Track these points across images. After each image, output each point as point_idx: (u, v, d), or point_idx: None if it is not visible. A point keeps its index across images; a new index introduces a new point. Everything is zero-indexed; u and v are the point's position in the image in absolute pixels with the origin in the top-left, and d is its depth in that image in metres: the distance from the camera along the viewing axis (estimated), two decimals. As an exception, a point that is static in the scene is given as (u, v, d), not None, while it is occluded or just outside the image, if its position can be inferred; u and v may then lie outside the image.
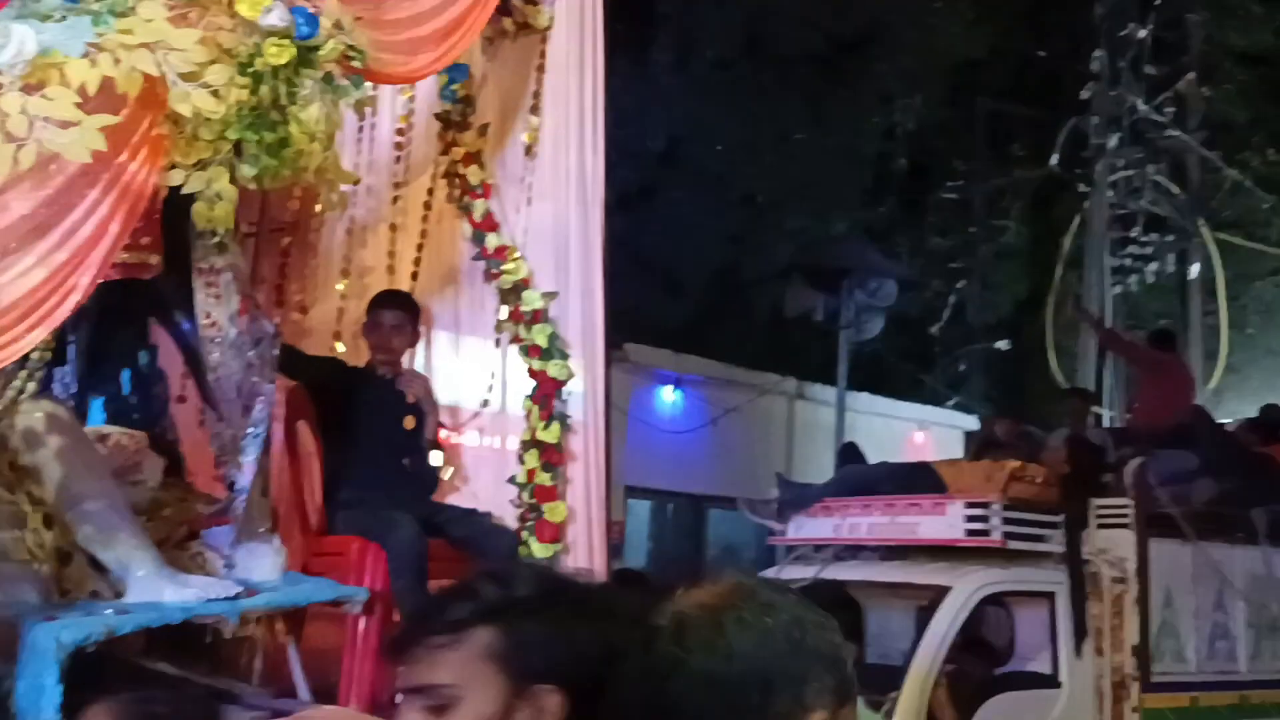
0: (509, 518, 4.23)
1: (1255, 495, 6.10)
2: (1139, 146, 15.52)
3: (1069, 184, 16.27)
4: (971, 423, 14.24)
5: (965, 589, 5.34)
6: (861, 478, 5.97)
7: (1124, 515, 5.69)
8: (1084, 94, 15.32)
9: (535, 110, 4.57)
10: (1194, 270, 15.86)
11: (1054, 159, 15.95)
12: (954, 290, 17.61)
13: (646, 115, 14.40)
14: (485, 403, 4.58)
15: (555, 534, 4.22)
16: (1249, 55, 16.31)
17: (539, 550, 4.11)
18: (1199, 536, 5.87)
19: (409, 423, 4.20)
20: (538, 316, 4.38)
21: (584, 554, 4.25)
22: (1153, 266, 16.30)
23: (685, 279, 15.56)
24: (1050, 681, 5.56)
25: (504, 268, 4.46)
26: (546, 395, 4.31)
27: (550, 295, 4.40)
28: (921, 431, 14.52)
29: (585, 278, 4.47)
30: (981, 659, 5.67)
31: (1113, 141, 15.38)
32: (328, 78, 3.14)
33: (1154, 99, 15.37)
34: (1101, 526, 5.75)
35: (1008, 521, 5.55)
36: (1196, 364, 15.63)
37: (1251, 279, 16.59)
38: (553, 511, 4.22)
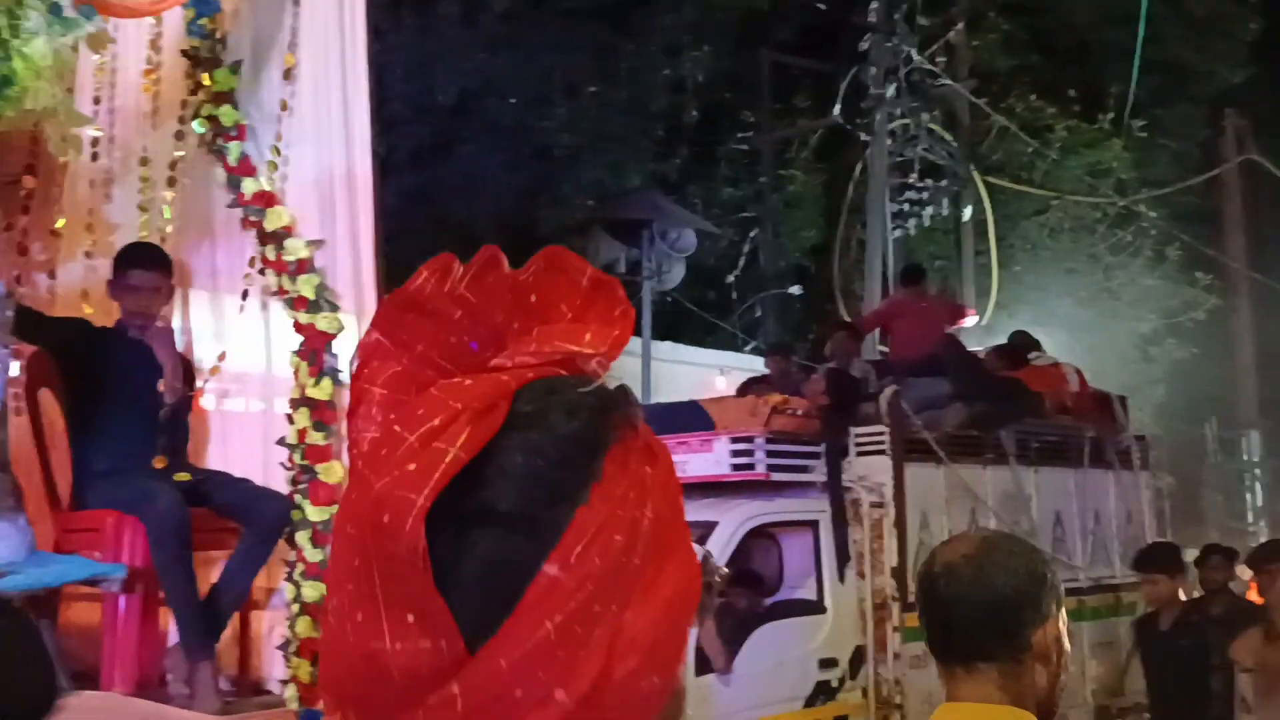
0: (280, 482, 3.95)
1: (1003, 417, 6.28)
2: (914, 96, 15.89)
3: (851, 133, 16.58)
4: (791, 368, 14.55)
5: (731, 523, 5.32)
6: (632, 420, 5.85)
7: (880, 442, 5.77)
8: (862, 45, 15.57)
9: (292, 46, 4.23)
10: (966, 213, 16.42)
11: (836, 109, 16.20)
12: (748, 239, 17.81)
13: (436, 69, 13.98)
14: (223, 356, 4.25)
15: (332, 495, 3.94)
16: (1011, 5, 16.89)
17: (314, 514, 3.82)
18: (951, 459, 6.00)
19: (164, 386, 3.85)
20: (303, 266, 4.06)
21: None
22: (929, 211, 16.82)
23: (483, 234, 15.26)
24: (816, 607, 5.60)
25: (263, 215, 4.12)
26: (315, 350, 4.01)
27: (316, 243, 4.09)
28: (723, 376, 14.67)
29: (353, 224, 4.19)
30: (751, 590, 5.67)
31: (890, 91, 15.68)
32: (54, 9, 2.79)
33: (926, 49, 15.75)
34: (860, 454, 5.83)
35: (771, 454, 5.55)
36: (970, 301, 16.28)
37: (1017, 219, 17.27)
38: (328, 472, 3.93)
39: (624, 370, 13.12)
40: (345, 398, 4.08)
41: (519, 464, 0.63)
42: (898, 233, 16.39)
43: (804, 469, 5.69)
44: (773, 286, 17.69)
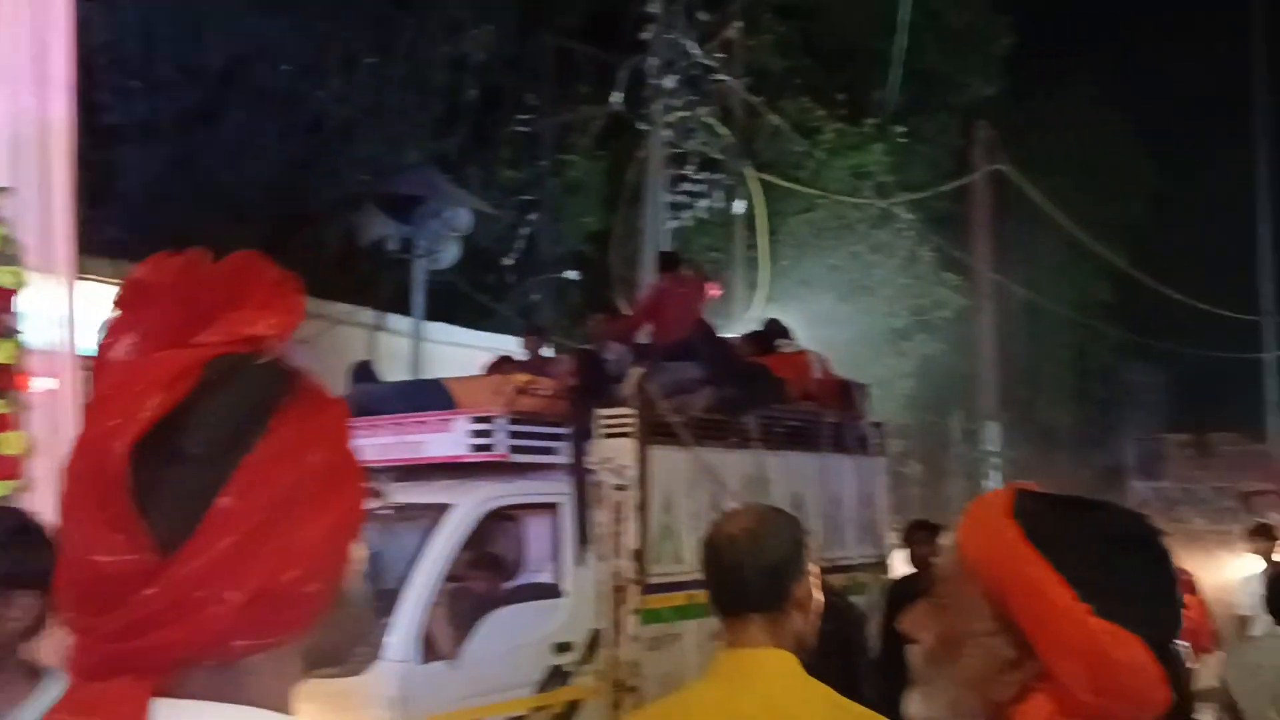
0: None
1: (749, 402, 6.30)
2: (693, 90, 16.01)
3: (631, 122, 16.58)
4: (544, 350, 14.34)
5: (466, 505, 5.11)
6: (370, 397, 5.57)
7: (626, 425, 5.66)
8: (644, 35, 15.57)
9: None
10: (739, 207, 16.67)
11: (616, 97, 16.15)
12: (526, 222, 17.61)
13: (205, 31, 13.15)
14: None
15: (13, 469, 3.51)
16: (785, 8, 17.24)
17: (-5, 489, 3.39)
18: (697, 442, 5.96)
19: None
20: (-19, 215, 3.59)
21: (49, 491, 3.57)
22: (704, 203, 17.00)
23: (251, 205, 14.48)
24: (553, 591, 5.45)
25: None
26: (-5, 308, 3.55)
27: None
28: (496, 360, 14.43)
29: (45, 173, 3.74)
30: (491, 574, 5.48)
31: (669, 83, 15.74)
32: None
33: (706, 45, 15.88)
34: (606, 436, 5.71)
35: (514, 435, 5.36)
36: (740, 293, 16.55)
37: (787, 216, 17.67)
38: (8, 443, 3.50)
39: (394, 349, 12.72)
40: (33, 362, 3.66)
41: (203, 418, 0.83)
42: (675, 223, 16.51)
43: (548, 451, 5.54)
44: (550, 271, 17.56)
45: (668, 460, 5.84)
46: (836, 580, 6.36)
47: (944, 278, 17.62)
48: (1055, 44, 24.04)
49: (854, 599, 6.04)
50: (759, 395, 6.43)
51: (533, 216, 17.47)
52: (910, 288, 17.59)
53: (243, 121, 14.22)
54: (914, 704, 1.30)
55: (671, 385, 6.23)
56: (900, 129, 17.22)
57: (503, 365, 6.68)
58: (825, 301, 17.19)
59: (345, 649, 0.91)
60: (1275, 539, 8.15)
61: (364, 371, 6.32)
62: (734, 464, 6.25)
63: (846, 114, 17.37)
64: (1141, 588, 1.22)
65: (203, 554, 0.80)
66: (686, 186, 16.82)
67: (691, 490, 6.00)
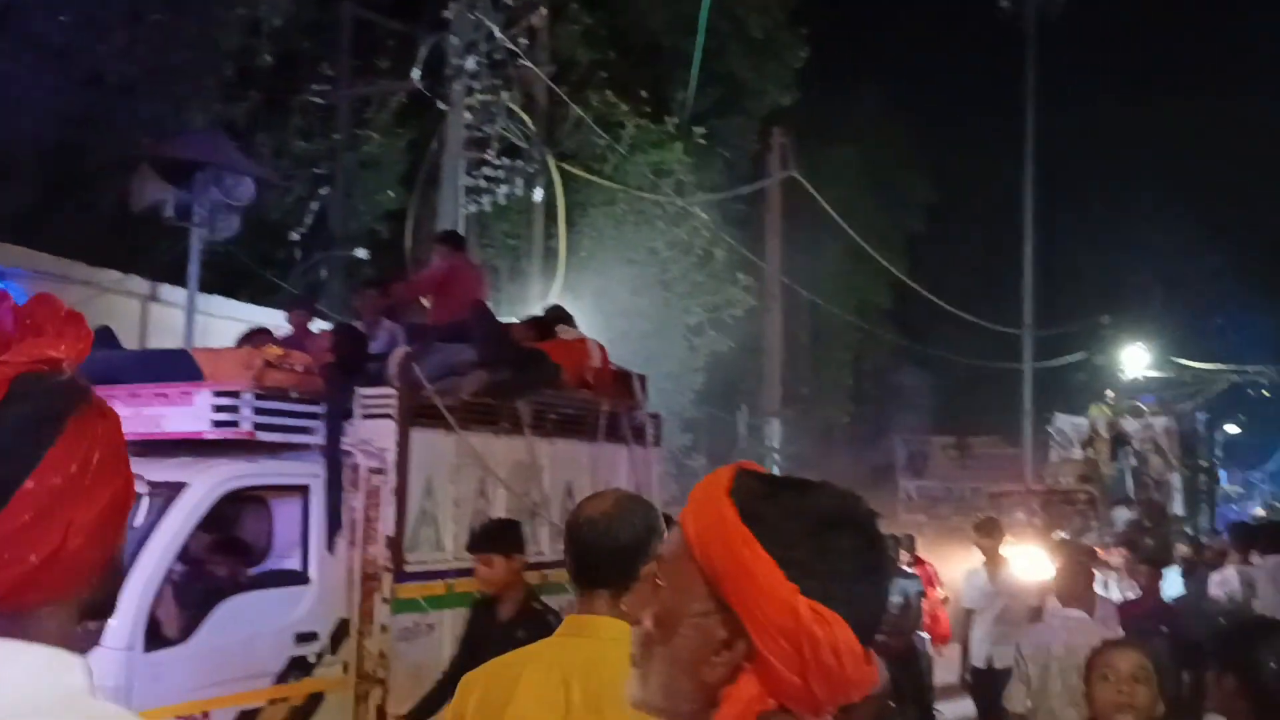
0: None
1: (522, 387, 6.09)
2: (495, 73, 15.66)
3: (431, 102, 16.13)
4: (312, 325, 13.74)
5: (203, 485, 4.70)
6: (108, 365, 5.07)
7: (387, 406, 5.36)
8: (445, 13, 15.13)
9: None
10: (539, 195, 16.44)
11: (416, 74, 15.65)
12: (316, 196, 16.93)
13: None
14: None
15: None
16: (593, 1, 17.12)
17: None
18: (464, 426, 5.71)
19: None
20: None
21: None
22: (504, 190, 16.69)
23: (19, 162, 13.36)
24: (300, 578, 5.11)
25: None
26: None
27: None
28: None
29: None
30: (231, 559, 5.09)
31: (471, 64, 15.34)
32: None
33: (510, 29, 15.56)
34: (366, 417, 5.39)
35: (262, 412, 4.98)
36: (536, 283, 16.33)
37: (588, 207, 17.59)
38: None
39: (167, 321, 11.96)
40: None
41: (10, 422, 1.03)
42: (472, 208, 16.14)
43: (300, 430, 5.18)
44: (340, 248, 16.92)
45: (431, 444, 5.56)
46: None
47: (736, 278, 17.89)
48: (846, 60, 24.79)
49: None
50: (533, 380, 6.21)
51: (324, 191, 16.80)
52: (704, 285, 17.78)
53: (12, 73, 13.10)
54: (630, 686, 1.27)
55: (443, 367, 5.96)
56: (701, 130, 17.37)
57: (255, 337, 6.25)
58: (622, 294, 17.21)
59: (112, 604, 1.12)
60: (1000, 535, 8.47)
61: (103, 337, 5.78)
62: (504, 450, 6.02)
63: (650, 111, 17.41)
64: (850, 569, 1.22)
65: (8, 525, 1.01)
66: (487, 171, 16.46)
67: (456, 476, 5.75)
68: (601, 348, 7.10)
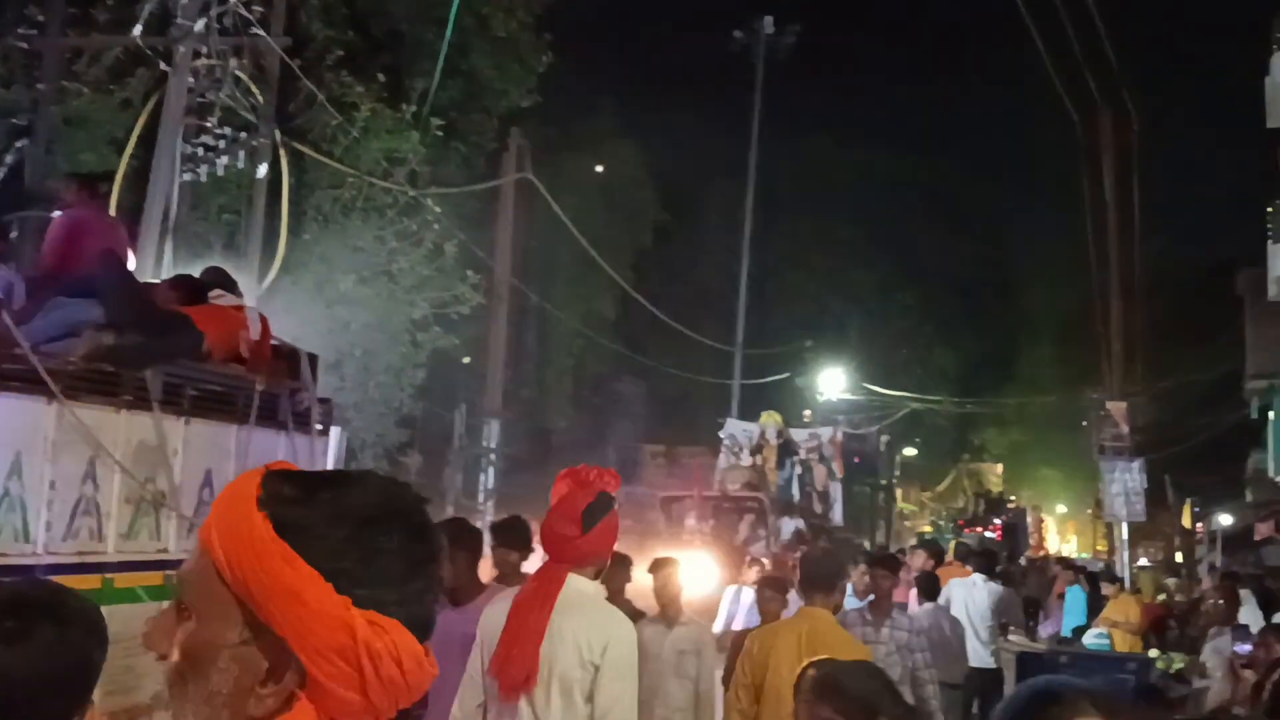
0: None
1: (152, 354, 4.92)
2: (225, 38, 14.08)
3: (152, 61, 14.34)
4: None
5: None
6: None
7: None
8: (177, -32, 13.43)
9: None
10: (262, 171, 14.95)
11: (136, 30, 13.84)
12: (13, 149, 14.77)
13: None
14: None
15: None
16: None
17: None
18: (70, 395, 4.52)
19: None
20: None
21: None
22: (224, 160, 15.07)
23: None
24: None
25: None
26: None
27: None
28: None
29: None
30: None
31: (199, 26, 13.70)
32: None
33: (244, -6, 14.01)
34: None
35: None
36: (254, 263, 14.83)
37: (315, 188, 16.34)
38: None
39: None
40: None
41: None
42: (187, 176, 14.46)
43: None
44: (38, 208, 14.76)
45: (23, 413, 4.35)
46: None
47: (465, 275, 16.96)
48: (589, 73, 24.48)
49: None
50: (168, 348, 5.05)
51: (22, 143, 14.67)
52: (432, 280, 16.79)
53: None
54: None
55: (61, 325, 4.78)
56: (439, 122, 16.34)
57: None
58: (346, 282, 15.99)
59: None
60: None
61: None
62: (123, 427, 4.83)
63: (386, 97, 16.21)
64: (400, 568, 1.10)
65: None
66: (207, 140, 14.77)
67: (58, 453, 4.54)
68: (264, 319, 5.96)
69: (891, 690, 3.01)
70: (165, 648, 1.08)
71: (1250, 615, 9.37)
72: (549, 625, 3.39)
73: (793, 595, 6.14)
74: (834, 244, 37.28)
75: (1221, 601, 7.90)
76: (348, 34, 16.39)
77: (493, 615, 3.60)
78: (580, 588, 3.51)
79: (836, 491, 21.30)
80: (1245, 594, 10.41)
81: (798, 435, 20.92)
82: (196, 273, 6.25)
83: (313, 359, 6.27)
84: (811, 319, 33.01)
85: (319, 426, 6.20)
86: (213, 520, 1.09)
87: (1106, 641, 11.95)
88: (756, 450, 19.80)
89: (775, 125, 25.62)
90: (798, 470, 19.91)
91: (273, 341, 5.92)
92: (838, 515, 21.18)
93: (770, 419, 20.30)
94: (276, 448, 5.73)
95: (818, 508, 20.12)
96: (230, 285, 5.92)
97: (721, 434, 20.47)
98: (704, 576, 13.62)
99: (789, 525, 17.46)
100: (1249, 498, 25.42)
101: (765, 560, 13.65)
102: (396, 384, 16.50)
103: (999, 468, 48.21)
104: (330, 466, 6.47)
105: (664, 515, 16.91)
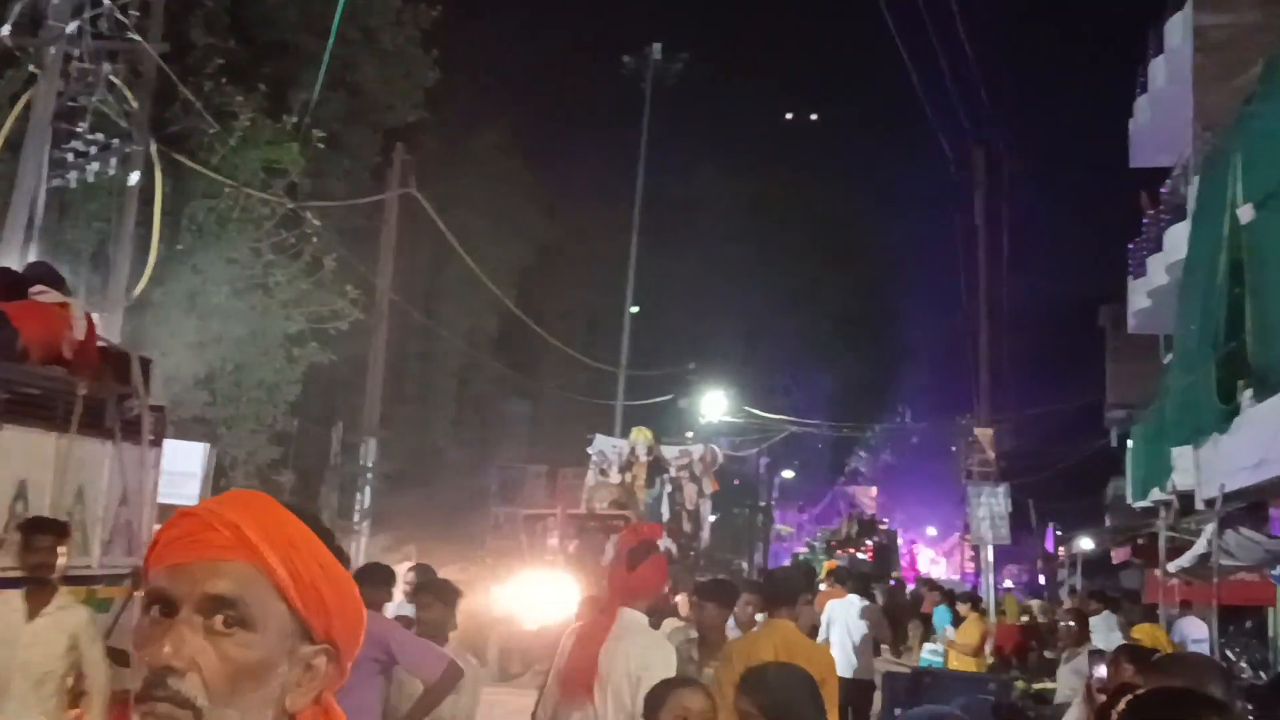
0: None
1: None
2: (101, 41, 13.64)
3: (21, 61, 13.78)
4: None
5: None
6: None
7: None
8: (45, -32, 12.93)
9: None
10: (134, 178, 14.48)
11: (4, 30, 13.27)
12: None
13: None
14: None
15: None
16: (216, -17, 15.46)
17: None
18: None
19: None
20: None
21: None
22: (94, 167, 14.55)
23: None
24: None
25: None
26: None
27: None
28: None
29: None
30: None
31: (71, 28, 13.23)
32: None
33: (119, -2, 13.59)
34: None
35: None
36: (124, 272, 14.37)
37: (189, 198, 15.86)
38: None
39: None
40: None
41: None
42: (57, 182, 13.91)
43: None
44: None
45: None
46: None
47: (345, 290, 16.61)
48: (476, 91, 24.31)
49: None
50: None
51: None
52: (310, 294, 16.41)
53: None
54: None
55: None
56: (320, 134, 16.02)
57: None
58: (220, 294, 15.52)
59: None
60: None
61: None
62: None
63: (267, 107, 15.86)
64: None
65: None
66: (77, 145, 14.24)
67: None
68: (90, 319, 5.57)
69: (815, 697, 3.21)
70: (188, 662, 1.12)
71: (1108, 638, 9.79)
72: (605, 646, 4.21)
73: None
74: (719, 268, 37.83)
75: (1073, 624, 8.23)
76: (229, 42, 16.00)
77: (564, 641, 4.51)
78: (631, 618, 4.33)
79: (707, 510, 20.56)
80: (1106, 614, 10.86)
81: (668, 452, 20.17)
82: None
83: (145, 363, 5.84)
84: (696, 342, 33.37)
85: (151, 437, 5.90)
86: (267, 544, 1.17)
87: (939, 659, 12.42)
88: (626, 467, 19.00)
89: (663, 149, 25.93)
90: (668, 488, 19.15)
91: (100, 343, 5.62)
92: (707, 535, 20.53)
93: (641, 435, 19.42)
94: (102, 459, 5.40)
95: (687, 527, 19.32)
96: (57, 282, 5.51)
97: (590, 450, 19.64)
98: (560, 596, 13.35)
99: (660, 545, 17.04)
100: (1108, 522, 26.57)
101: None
102: (270, 400, 16.06)
103: (873, 490, 49.41)
104: (156, 480, 6.10)
105: (526, 534, 16.45)
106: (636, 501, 17.93)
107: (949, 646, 12.17)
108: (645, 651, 4.23)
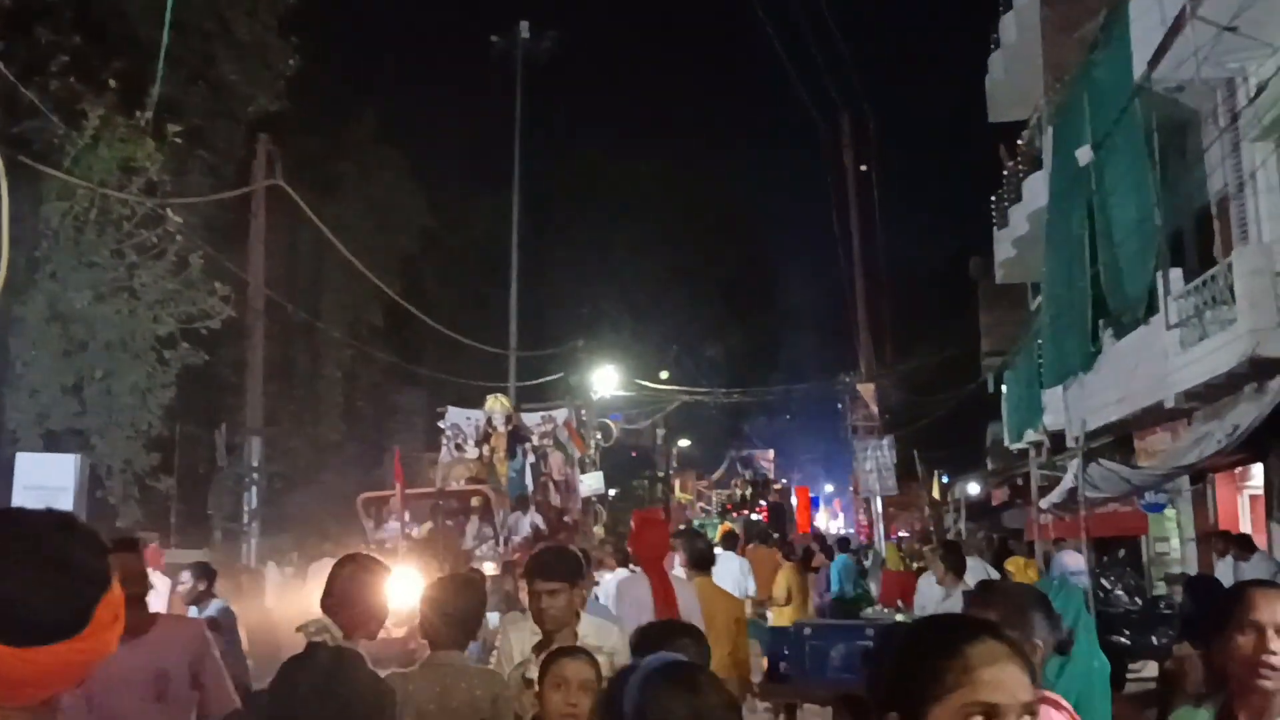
0: None
1: None
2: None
3: None
4: None
5: None
6: None
7: None
8: None
9: None
10: (-21, 184, 13.45)
11: None
12: None
13: None
14: None
15: None
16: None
17: None
18: None
19: None
20: None
21: None
22: (-67, 172, 13.47)
23: None
24: None
25: None
26: None
27: None
28: None
29: None
30: None
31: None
32: None
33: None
34: None
35: None
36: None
37: (41, 201, 14.92)
38: None
39: None
40: None
41: None
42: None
43: None
44: None
45: None
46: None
47: (214, 287, 15.83)
48: (343, 76, 23.49)
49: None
50: None
51: None
52: (178, 294, 15.59)
53: None
54: None
55: None
56: (177, 129, 15.18)
57: None
58: (81, 299, 14.66)
59: None
60: None
61: None
62: None
63: (118, 103, 14.98)
64: None
65: None
66: (-83, 151, 13.22)
67: None
68: None
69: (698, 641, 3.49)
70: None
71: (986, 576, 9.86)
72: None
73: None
74: (603, 245, 37.53)
75: (943, 566, 8.24)
76: (73, 38, 15.05)
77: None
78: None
79: (576, 477, 18.58)
80: (974, 560, 10.95)
81: (530, 419, 18.26)
82: None
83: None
84: (584, 319, 33.04)
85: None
86: None
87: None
88: (484, 439, 16.88)
89: (540, 129, 25.49)
90: (530, 459, 16.97)
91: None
92: (579, 505, 18.62)
93: (497, 403, 17.30)
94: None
95: (556, 499, 17.37)
96: None
97: (442, 424, 17.68)
98: (398, 586, 12.24)
99: (523, 521, 15.08)
100: (989, 466, 27.21)
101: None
102: (144, 405, 15.25)
103: (771, 453, 49.90)
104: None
105: (366, 520, 14.46)
106: (497, 475, 16.09)
107: (765, 602, 12.18)
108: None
